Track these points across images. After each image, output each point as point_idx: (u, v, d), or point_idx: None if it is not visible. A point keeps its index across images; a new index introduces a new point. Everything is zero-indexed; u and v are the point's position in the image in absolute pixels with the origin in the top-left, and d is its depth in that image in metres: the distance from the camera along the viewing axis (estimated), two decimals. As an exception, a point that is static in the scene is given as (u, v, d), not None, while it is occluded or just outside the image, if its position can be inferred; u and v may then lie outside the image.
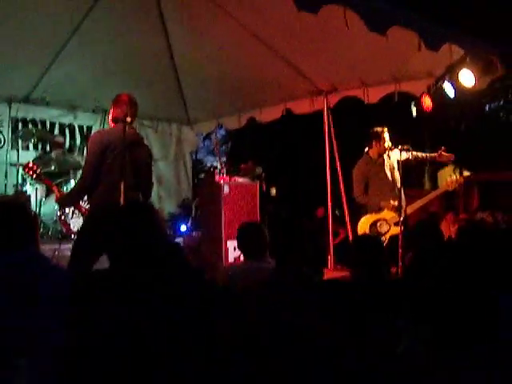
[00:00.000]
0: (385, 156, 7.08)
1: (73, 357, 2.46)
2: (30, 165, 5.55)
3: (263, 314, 2.96)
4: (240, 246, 4.52)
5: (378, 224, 6.79)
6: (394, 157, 7.00)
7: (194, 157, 12.26)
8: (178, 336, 2.54)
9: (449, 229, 6.83)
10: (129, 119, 5.00)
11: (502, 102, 20.28)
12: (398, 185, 6.67)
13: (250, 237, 4.42)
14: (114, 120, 5.10)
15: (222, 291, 3.21)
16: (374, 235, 6.24)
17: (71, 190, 6.09)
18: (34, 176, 5.53)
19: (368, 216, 6.95)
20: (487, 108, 20.16)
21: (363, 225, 6.95)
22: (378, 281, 3.54)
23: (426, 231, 4.54)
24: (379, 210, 6.87)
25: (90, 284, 2.62)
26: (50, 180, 6.13)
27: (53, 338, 2.55)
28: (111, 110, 5.16)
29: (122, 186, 4.60)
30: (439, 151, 7.12)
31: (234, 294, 3.33)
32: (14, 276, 2.63)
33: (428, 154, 7.31)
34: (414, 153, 7.06)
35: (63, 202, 5.58)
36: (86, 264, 4.50)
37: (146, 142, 9.80)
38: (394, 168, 7.00)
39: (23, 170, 5.79)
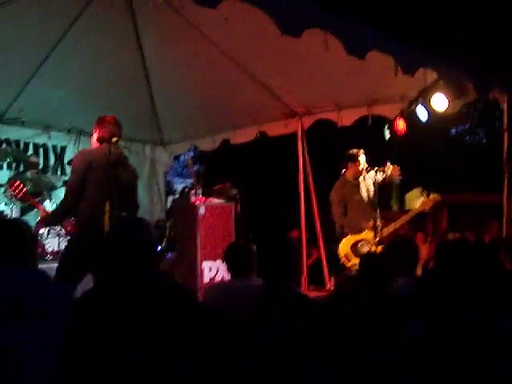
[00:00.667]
0: (361, 178, 7.19)
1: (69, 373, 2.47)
2: (17, 183, 5.53)
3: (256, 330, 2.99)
4: (229, 266, 4.55)
5: (359, 244, 6.88)
6: (370, 178, 7.12)
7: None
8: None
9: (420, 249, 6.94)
10: (114, 139, 5.08)
11: (467, 126, 20.71)
12: (374, 205, 6.77)
13: (239, 256, 4.47)
14: (100, 140, 5.13)
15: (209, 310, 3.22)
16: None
17: (56, 208, 6.06)
18: (20, 194, 5.51)
19: (349, 237, 7.05)
20: (454, 131, 20.57)
21: (344, 246, 7.05)
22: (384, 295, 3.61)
23: (404, 248, 4.62)
24: (359, 230, 6.97)
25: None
26: (33, 199, 6.11)
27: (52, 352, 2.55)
28: (96, 131, 5.18)
29: (107, 205, 4.61)
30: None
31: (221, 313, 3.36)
32: (14, 293, 2.63)
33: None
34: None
35: (49, 221, 5.57)
36: (72, 281, 4.50)
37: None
38: (369, 189, 7.11)
39: (9, 187, 5.74)
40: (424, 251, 9.19)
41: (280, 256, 3.48)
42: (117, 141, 5.12)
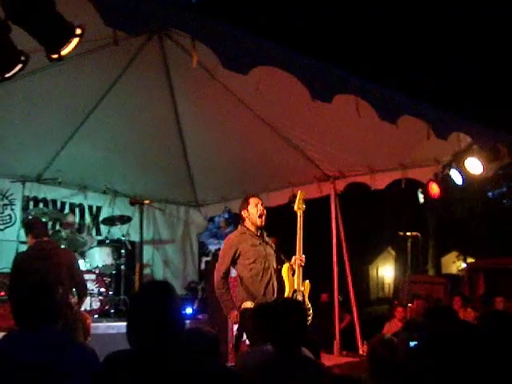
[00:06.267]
0: None
1: None
2: None
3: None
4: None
5: None
6: None
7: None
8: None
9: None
10: (45, 239, 6.15)
11: (505, 189, 20.55)
12: None
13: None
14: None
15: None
16: None
17: None
18: None
19: None
20: (491, 194, 20.40)
21: None
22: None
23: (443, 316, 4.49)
24: None
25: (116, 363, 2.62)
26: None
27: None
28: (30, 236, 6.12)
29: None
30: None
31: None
32: (41, 354, 2.64)
33: None
34: None
35: None
36: None
37: (153, 224, 10.05)
38: None
39: None
40: (461, 316, 9.05)
41: (285, 321, 3.45)
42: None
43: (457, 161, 6.67)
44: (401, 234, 6.52)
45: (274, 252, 5.97)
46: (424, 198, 7.15)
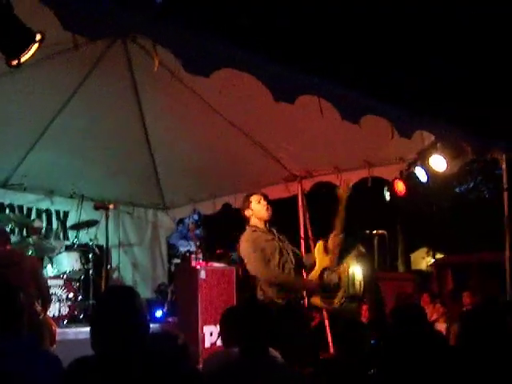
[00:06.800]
0: None
1: None
2: None
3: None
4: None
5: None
6: None
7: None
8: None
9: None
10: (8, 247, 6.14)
11: (471, 184, 20.86)
12: None
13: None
14: None
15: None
16: None
17: None
18: None
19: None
20: (458, 190, 20.69)
21: None
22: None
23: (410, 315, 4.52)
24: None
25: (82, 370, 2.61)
26: None
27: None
28: None
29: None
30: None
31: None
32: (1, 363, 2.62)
33: None
34: None
35: None
36: None
37: (121, 227, 10.00)
38: None
39: None
40: (429, 312, 9.13)
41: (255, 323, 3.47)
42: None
43: (421, 158, 6.74)
44: (367, 232, 6.52)
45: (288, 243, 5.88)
46: (390, 195, 7.21)
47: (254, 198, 5.86)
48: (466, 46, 17.71)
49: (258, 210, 5.80)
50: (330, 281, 5.78)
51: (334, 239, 5.91)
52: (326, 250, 5.90)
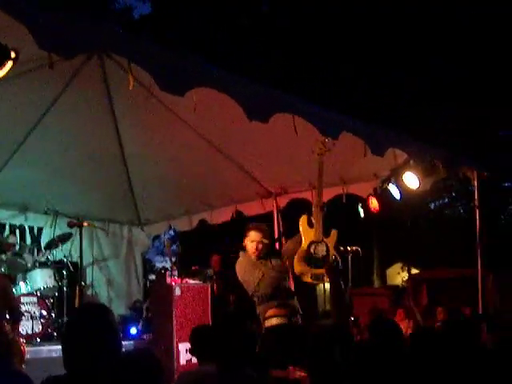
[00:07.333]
0: None
1: None
2: None
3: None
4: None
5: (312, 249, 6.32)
6: None
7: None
8: None
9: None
10: None
11: (446, 200, 21.06)
12: None
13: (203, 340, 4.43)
14: None
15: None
16: None
17: None
18: None
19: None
20: (432, 206, 20.88)
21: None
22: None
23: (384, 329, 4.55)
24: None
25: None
26: None
27: None
28: None
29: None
30: None
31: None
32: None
33: None
34: None
35: None
36: None
37: (96, 243, 9.92)
38: None
39: None
40: (404, 328, 9.17)
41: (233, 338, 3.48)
42: None
43: (394, 176, 6.83)
44: (342, 248, 6.51)
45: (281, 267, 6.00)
46: (364, 212, 7.28)
47: (250, 236, 5.97)
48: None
49: (248, 247, 5.96)
50: (317, 253, 5.77)
51: (316, 211, 5.89)
52: (310, 223, 5.89)
